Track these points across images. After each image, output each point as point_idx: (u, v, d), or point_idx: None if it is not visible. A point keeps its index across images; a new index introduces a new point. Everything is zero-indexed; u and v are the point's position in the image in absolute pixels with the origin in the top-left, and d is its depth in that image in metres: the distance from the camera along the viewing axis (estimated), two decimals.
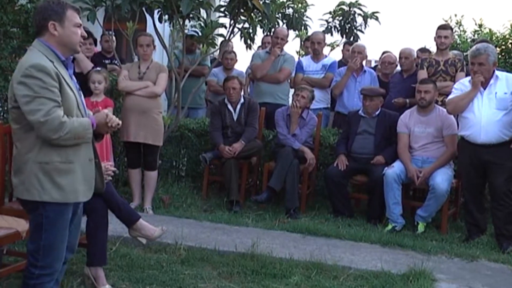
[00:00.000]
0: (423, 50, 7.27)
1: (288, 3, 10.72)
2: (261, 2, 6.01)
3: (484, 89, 5.15)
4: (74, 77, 3.06)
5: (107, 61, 6.68)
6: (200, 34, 6.66)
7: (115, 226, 4.27)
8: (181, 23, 6.24)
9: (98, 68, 5.50)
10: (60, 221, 2.90)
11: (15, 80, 2.81)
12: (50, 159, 2.82)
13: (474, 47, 5.25)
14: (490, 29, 9.55)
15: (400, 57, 6.87)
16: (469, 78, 5.32)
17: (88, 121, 2.89)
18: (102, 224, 3.91)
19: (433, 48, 6.84)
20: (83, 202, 3.10)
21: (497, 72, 5.23)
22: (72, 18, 2.91)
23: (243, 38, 9.78)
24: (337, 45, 10.63)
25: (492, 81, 5.15)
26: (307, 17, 11.01)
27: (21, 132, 2.86)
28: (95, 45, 6.11)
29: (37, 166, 2.82)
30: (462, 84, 5.33)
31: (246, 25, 6.82)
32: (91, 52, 5.95)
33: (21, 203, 3.04)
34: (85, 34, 3.04)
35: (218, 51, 7.09)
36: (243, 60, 12.97)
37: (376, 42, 19.83)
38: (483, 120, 5.07)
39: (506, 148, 5.07)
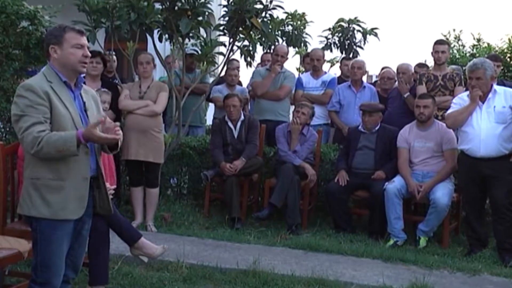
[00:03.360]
0: (421, 65, 7.31)
1: (287, 20, 10.77)
2: (259, 21, 6.07)
3: (483, 103, 5.19)
4: (80, 97, 3.10)
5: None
6: (199, 52, 6.72)
7: (117, 245, 4.30)
8: (181, 42, 6.31)
9: (104, 89, 5.55)
10: (55, 236, 2.94)
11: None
12: (41, 175, 2.91)
13: (471, 62, 5.30)
14: (488, 44, 9.60)
15: (397, 73, 6.91)
16: (467, 92, 5.36)
17: (72, 134, 2.87)
18: (103, 243, 3.94)
19: (432, 63, 6.88)
20: (90, 223, 3.18)
21: (495, 86, 5.28)
22: (70, 40, 3.00)
23: (243, 56, 9.84)
24: (337, 62, 10.65)
25: (490, 95, 5.19)
26: (306, 34, 11.06)
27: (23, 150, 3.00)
28: (105, 65, 6.12)
29: (29, 181, 2.93)
30: (461, 99, 5.36)
31: (246, 42, 6.87)
32: (98, 70, 5.96)
33: (25, 219, 3.14)
34: (88, 54, 3.09)
35: (219, 68, 7.15)
36: (243, 77, 13.02)
37: (376, 58, 19.94)
38: (482, 133, 5.10)
39: (505, 162, 5.10)
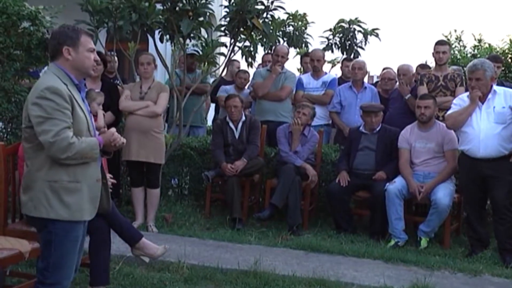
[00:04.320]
0: (423, 66, 7.29)
1: (288, 21, 10.80)
2: (260, 21, 6.08)
3: (482, 103, 5.19)
4: (86, 100, 3.16)
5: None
6: (200, 53, 6.72)
7: (118, 245, 4.30)
8: (182, 42, 6.31)
9: (97, 90, 5.56)
10: (69, 238, 2.97)
11: (30, 101, 2.91)
12: (58, 178, 2.91)
13: (471, 63, 5.31)
14: (489, 44, 9.61)
15: (398, 74, 6.91)
16: (467, 93, 5.37)
17: (95, 141, 2.98)
18: (104, 243, 3.94)
19: (433, 64, 6.89)
20: (88, 222, 3.17)
21: (495, 87, 5.29)
22: (86, 44, 3.02)
23: (244, 56, 9.86)
24: (338, 62, 10.68)
25: (490, 95, 5.20)
26: (307, 34, 11.09)
27: (32, 151, 2.95)
28: (105, 65, 6.15)
29: (46, 184, 2.91)
30: (461, 99, 5.37)
31: (247, 43, 6.88)
32: (99, 71, 5.98)
33: (30, 221, 3.13)
34: (98, 58, 3.14)
35: (219, 69, 7.16)
36: None
37: (377, 59, 19.95)
38: (482, 134, 5.10)
39: (505, 162, 5.10)
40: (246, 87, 7.69)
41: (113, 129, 3.12)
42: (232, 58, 6.93)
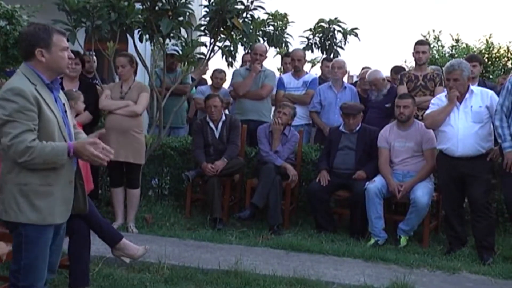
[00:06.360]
0: (397, 70, 7.30)
1: (268, 21, 10.82)
2: (240, 21, 6.08)
3: (460, 103, 5.25)
4: (60, 99, 3.06)
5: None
6: (180, 52, 6.70)
7: (97, 247, 4.27)
8: (161, 42, 6.28)
9: (76, 90, 5.52)
10: (40, 240, 2.91)
11: None
12: (28, 181, 2.83)
13: (448, 63, 5.37)
14: (466, 44, 9.74)
15: (369, 85, 6.96)
16: (445, 93, 5.43)
17: (64, 147, 2.83)
18: (84, 244, 3.91)
19: (412, 64, 6.95)
20: (66, 223, 3.11)
21: (472, 87, 5.35)
22: (59, 43, 2.93)
23: (224, 56, 9.86)
24: (318, 62, 10.72)
25: (467, 95, 5.26)
26: (287, 34, 11.13)
27: (3, 153, 2.87)
28: (83, 65, 6.10)
29: (15, 187, 2.84)
30: (439, 99, 5.43)
31: (227, 43, 6.87)
32: (77, 71, 5.96)
33: (3, 223, 3.05)
34: (72, 56, 3.06)
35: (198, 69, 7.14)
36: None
37: (357, 58, 20.09)
38: (460, 133, 5.16)
39: (483, 161, 5.18)
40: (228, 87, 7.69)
41: (97, 141, 2.89)
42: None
